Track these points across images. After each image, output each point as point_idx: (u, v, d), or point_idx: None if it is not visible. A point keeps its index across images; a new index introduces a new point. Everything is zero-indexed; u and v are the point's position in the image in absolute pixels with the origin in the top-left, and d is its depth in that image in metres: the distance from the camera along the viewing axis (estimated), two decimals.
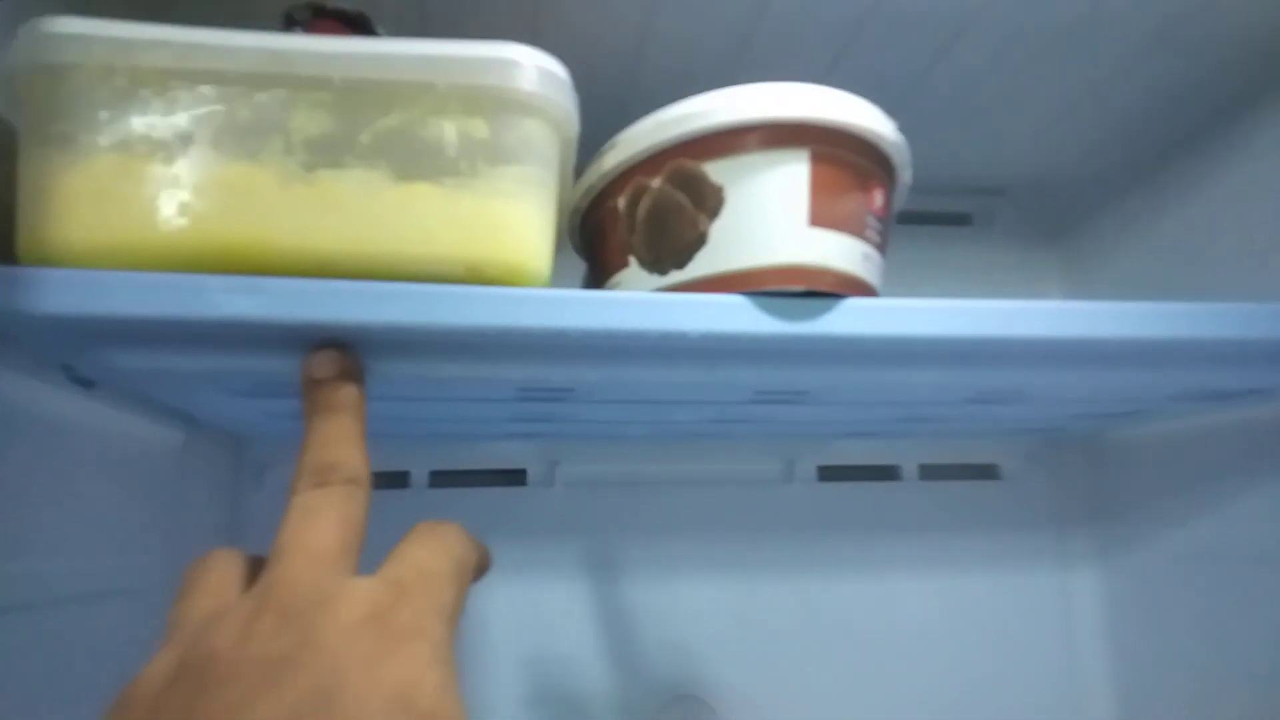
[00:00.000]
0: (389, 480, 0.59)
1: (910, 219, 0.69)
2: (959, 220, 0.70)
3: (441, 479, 0.60)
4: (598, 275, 0.39)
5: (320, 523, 0.25)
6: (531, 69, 0.31)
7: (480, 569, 0.29)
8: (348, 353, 0.30)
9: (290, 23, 0.34)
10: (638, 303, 0.31)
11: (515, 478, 0.61)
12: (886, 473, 0.66)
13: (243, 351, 0.31)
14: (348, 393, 0.29)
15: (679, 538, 0.62)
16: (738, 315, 0.32)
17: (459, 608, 0.26)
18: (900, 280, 0.66)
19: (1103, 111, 0.56)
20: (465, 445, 0.60)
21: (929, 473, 0.66)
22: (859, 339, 0.33)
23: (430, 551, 0.26)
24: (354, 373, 0.30)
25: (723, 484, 0.63)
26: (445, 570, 0.26)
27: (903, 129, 0.57)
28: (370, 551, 0.52)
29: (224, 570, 0.27)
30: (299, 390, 0.30)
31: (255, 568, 0.27)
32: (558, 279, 0.33)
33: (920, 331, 0.32)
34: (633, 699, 0.59)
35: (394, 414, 0.44)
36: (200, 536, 0.52)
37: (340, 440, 0.28)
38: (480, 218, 0.31)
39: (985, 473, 0.67)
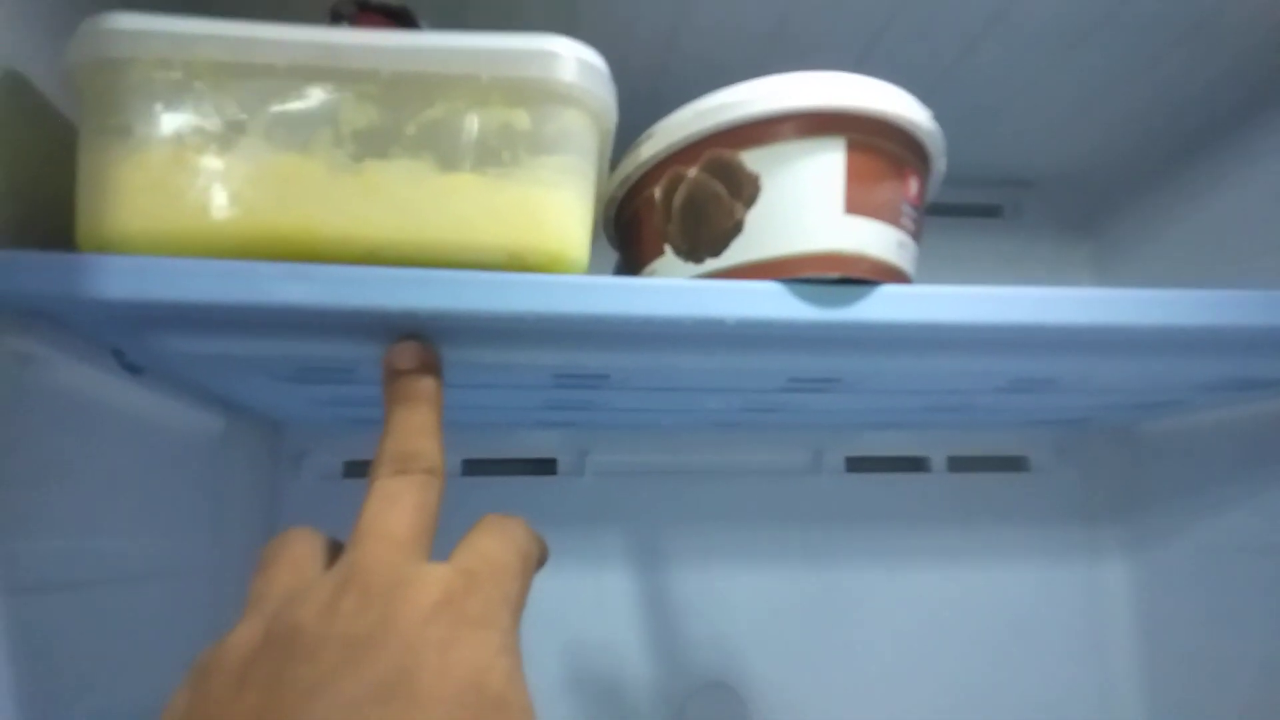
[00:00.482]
0: None
1: (941, 210, 0.69)
2: (989, 212, 0.70)
3: (474, 468, 0.61)
4: (632, 264, 0.40)
5: (399, 508, 0.26)
6: (571, 60, 0.32)
7: (540, 561, 0.30)
8: (428, 345, 0.31)
9: (337, 17, 0.35)
10: (676, 289, 0.32)
11: (546, 467, 0.62)
12: (915, 464, 0.66)
13: (290, 337, 0.32)
14: (427, 384, 0.30)
15: (707, 528, 0.62)
16: (774, 302, 0.32)
17: (524, 599, 0.27)
18: (931, 271, 0.66)
19: (1131, 104, 0.56)
20: (497, 434, 0.61)
21: (957, 464, 0.66)
22: (894, 325, 0.33)
23: (499, 543, 0.27)
24: (433, 365, 0.31)
25: (751, 474, 0.64)
26: (512, 563, 0.27)
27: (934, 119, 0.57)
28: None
29: (305, 547, 0.28)
30: (377, 379, 0.31)
31: (333, 549, 0.29)
32: (590, 270, 0.34)
33: (954, 318, 0.33)
34: (662, 686, 0.60)
35: None
36: (239, 521, 0.54)
37: (420, 430, 0.29)
38: (521, 207, 0.31)
39: (1014, 465, 0.67)
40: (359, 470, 0.59)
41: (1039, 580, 0.65)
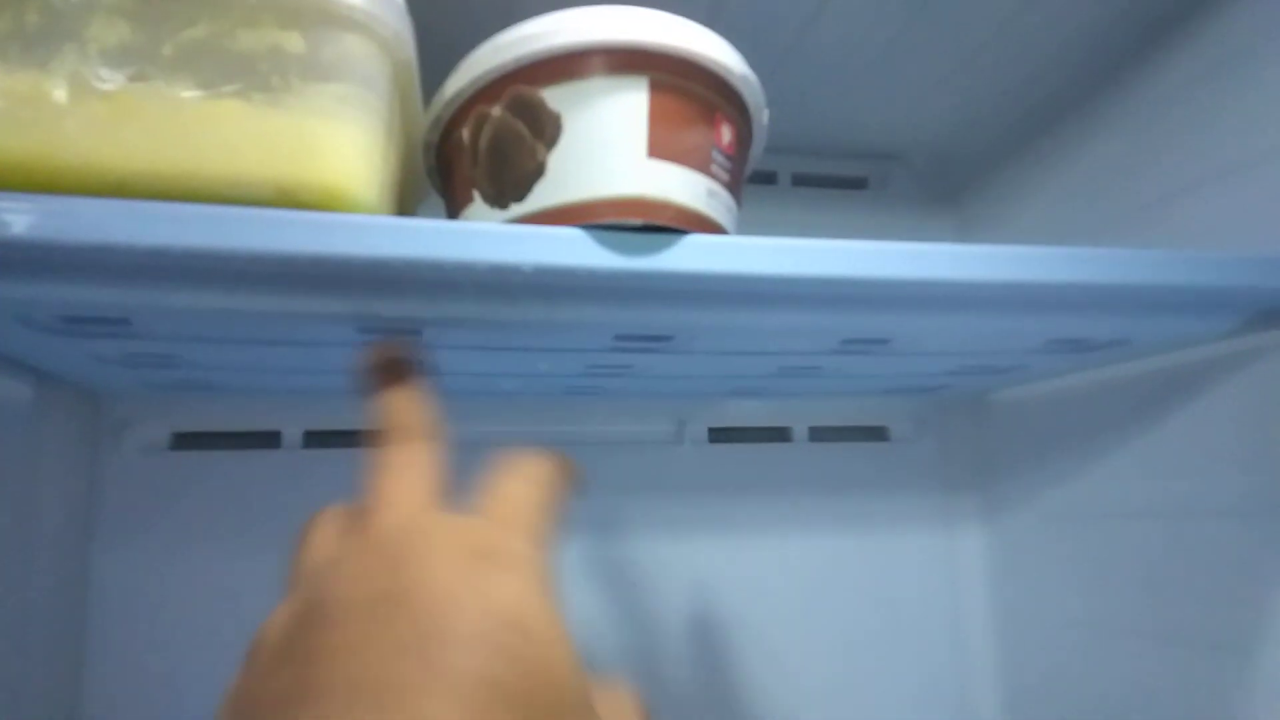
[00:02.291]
0: (259, 440, 0.57)
1: (807, 181, 0.69)
2: (855, 184, 0.70)
3: (316, 439, 0.58)
4: (450, 211, 0.37)
5: (408, 471, 0.27)
6: None
7: (573, 482, 0.31)
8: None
9: None
10: (461, 232, 0.30)
11: None
12: (777, 434, 0.66)
13: (29, 278, 0.29)
14: (408, 366, 0.31)
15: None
16: (572, 248, 0.31)
17: (554, 533, 0.28)
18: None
19: (988, 73, 0.56)
20: (341, 403, 0.58)
21: (819, 434, 0.66)
22: (701, 276, 0.32)
23: (521, 483, 0.28)
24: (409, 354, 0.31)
25: (612, 444, 0.62)
26: (537, 500, 0.28)
27: (792, 88, 0.57)
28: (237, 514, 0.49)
29: (331, 523, 0.28)
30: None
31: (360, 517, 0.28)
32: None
33: (763, 270, 0.32)
34: None
35: (238, 361, 0.42)
36: (55, 497, 0.50)
37: (408, 405, 0.30)
38: (292, 137, 0.29)
39: (874, 434, 0.67)
40: (188, 442, 0.56)
41: (899, 548, 0.66)
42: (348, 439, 0.58)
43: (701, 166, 0.33)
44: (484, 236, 0.30)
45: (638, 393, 0.58)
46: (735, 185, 0.35)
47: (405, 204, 0.40)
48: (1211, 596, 0.46)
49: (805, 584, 0.64)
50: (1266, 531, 0.42)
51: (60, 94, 0.28)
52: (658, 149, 0.31)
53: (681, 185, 0.32)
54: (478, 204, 0.34)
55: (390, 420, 0.29)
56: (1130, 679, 0.52)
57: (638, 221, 0.31)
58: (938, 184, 0.70)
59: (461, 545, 0.23)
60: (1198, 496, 0.47)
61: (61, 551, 0.50)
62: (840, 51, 0.53)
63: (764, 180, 0.67)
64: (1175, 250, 0.37)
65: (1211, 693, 0.45)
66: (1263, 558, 0.43)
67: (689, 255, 0.32)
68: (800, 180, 0.68)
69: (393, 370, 0.30)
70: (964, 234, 0.70)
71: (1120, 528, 0.53)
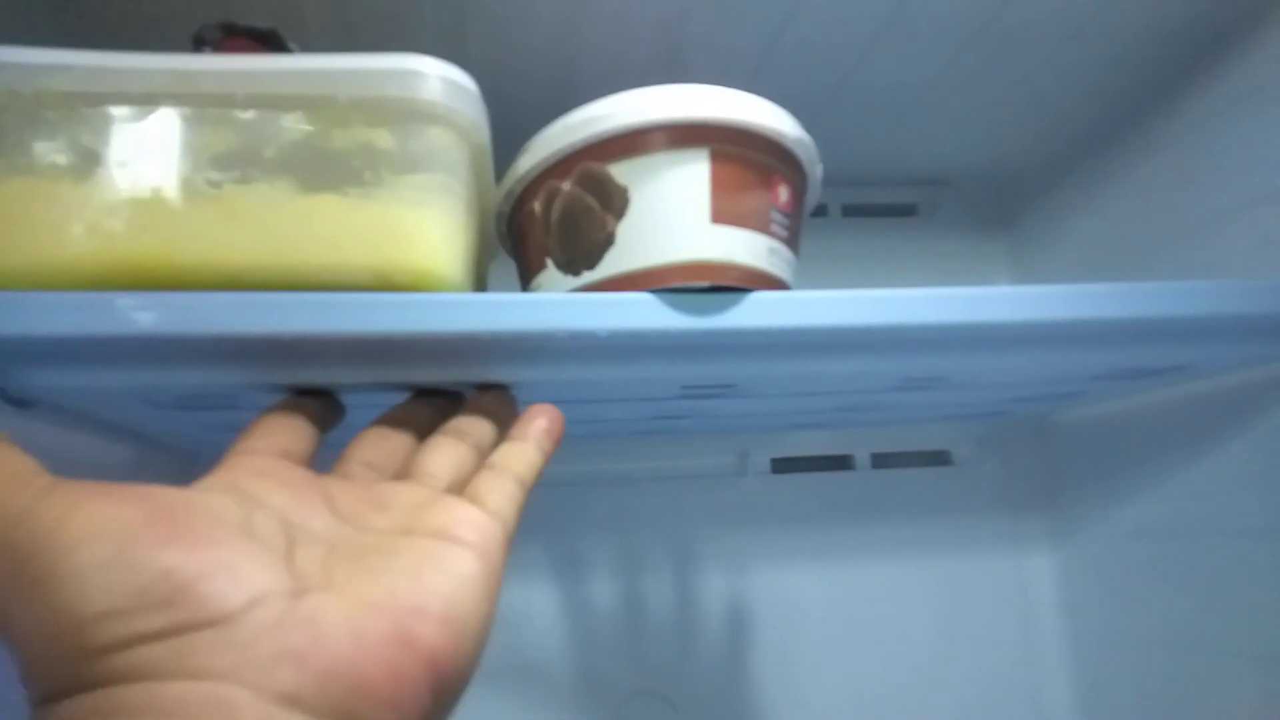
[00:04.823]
0: None
1: (857, 212, 0.70)
2: (905, 211, 0.71)
3: None
4: (523, 278, 0.40)
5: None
6: (434, 79, 0.32)
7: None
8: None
9: (200, 43, 0.35)
10: (543, 304, 0.32)
11: None
12: (839, 462, 0.67)
13: (157, 366, 0.32)
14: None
15: (634, 535, 0.63)
16: (644, 312, 0.32)
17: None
18: (850, 271, 0.68)
19: (1035, 100, 0.57)
20: None
21: (881, 461, 0.67)
22: (765, 331, 0.33)
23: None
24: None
25: (677, 479, 0.64)
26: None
27: (839, 124, 0.58)
28: None
29: None
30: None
31: None
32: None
33: (823, 322, 0.33)
34: (592, 698, 0.60)
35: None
36: None
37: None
38: (385, 226, 0.31)
39: (937, 459, 0.68)
40: None
41: (967, 572, 0.66)
42: None
43: (762, 227, 0.34)
44: (562, 306, 0.32)
45: (702, 430, 0.60)
46: (794, 240, 0.37)
47: (481, 266, 0.42)
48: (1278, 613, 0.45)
49: (874, 611, 0.64)
50: None
51: (175, 199, 0.31)
52: (720, 214, 0.33)
53: (744, 247, 0.34)
54: (550, 271, 0.36)
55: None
56: (1201, 696, 0.51)
57: (704, 284, 0.33)
58: (988, 208, 0.71)
59: None
60: (1264, 514, 0.47)
61: None
62: (886, 89, 0.54)
63: (815, 213, 0.69)
64: (1227, 280, 0.38)
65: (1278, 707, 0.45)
66: None
67: (753, 312, 0.33)
68: (851, 211, 0.70)
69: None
70: (1016, 257, 0.70)
71: (1189, 545, 0.53)
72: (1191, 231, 0.52)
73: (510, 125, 0.38)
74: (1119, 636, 0.59)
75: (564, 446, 0.62)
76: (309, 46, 0.37)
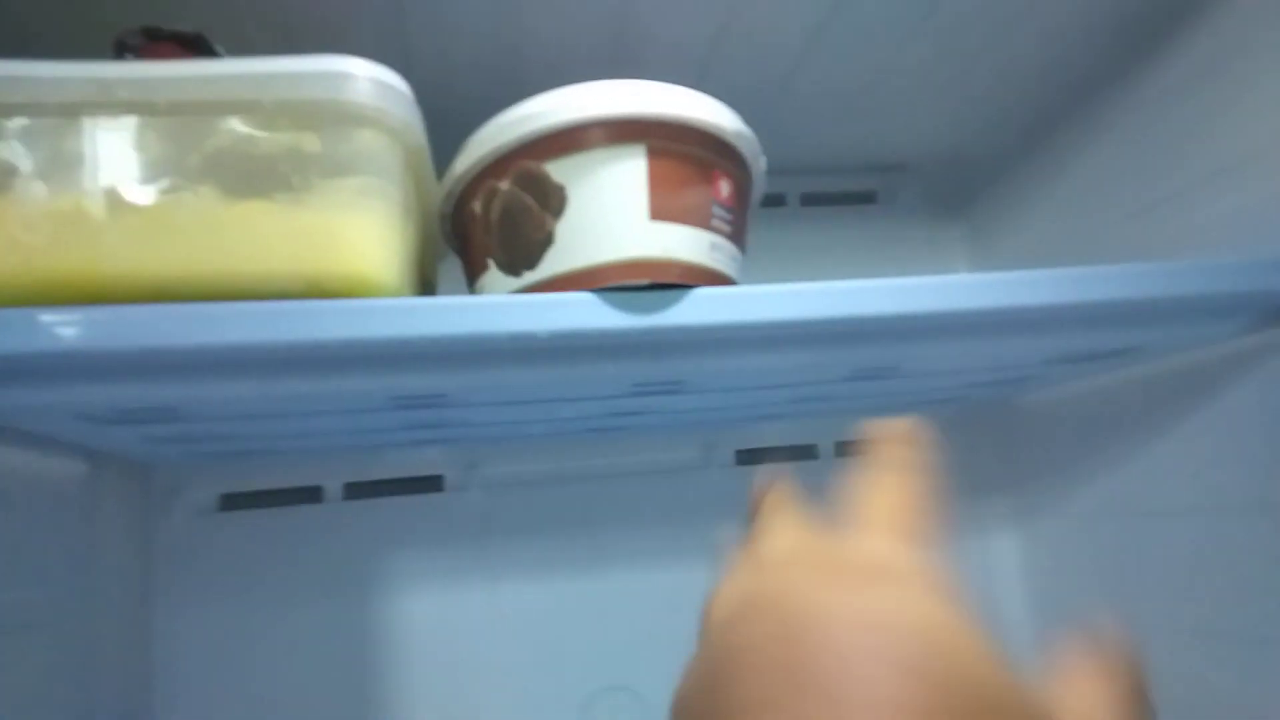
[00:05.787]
0: (302, 495, 0.59)
1: (816, 200, 0.70)
2: (864, 199, 0.71)
3: (356, 490, 0.60)
4: (468, 279, 0.39)
5: (783, 509, 0.27)
6: (363, 80, 0.31)
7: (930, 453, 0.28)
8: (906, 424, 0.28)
9: (122, 49, 0.34)
10: (479, 307, 0.31)
11: (432, 484, 0.61)
12: (804, 452, 0.67)
13: (86, 381, 0.31)
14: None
15: (601, 531, 0.62)
16: (583, 312, 0.32)
17: (936, 531, 0.25)
18: (811, 260, 0.68)
19: (985, 87, 0.57)
20: (378, 455, 0.60)
21: (845, 450, 0.67)
22: (707, 328, 0.33)
23: (888, 487, 0.26)
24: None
25: (642, 474, 0.64)
26: (909, 501, 0.25)
27: (792, 115, 0.58)
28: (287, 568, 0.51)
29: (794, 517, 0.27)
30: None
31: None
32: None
33: (766, 317, 0.33)
34: (562, 695, 0.59)
35: (281, 431, 0.44)
36: (112, 566, 0.52)
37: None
38: (315, 232, 0.31)
39: None
40: (235, 503, 0.58)
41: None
42: (386, 488, 0.60)
43: (702, 223, 0.34)
44: (500, 308, 0.32)
45: (663, 426, 0.60)
46: (738, 234, 0.37)
47: (426, 269, 0.42)
48: (1243, 590, 0.46)
49: None
50: None
51: (97, 211, 0.30)
52: (659, 211, 0.33)
53: (685, 243, 0.33)
54: (493, 272, 0.36)
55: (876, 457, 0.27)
56: (1168, 674, 0.52)
57: (645, 281, 0.33)
58: (946, 193, 0.71)
59: (842, 568, 0.22)
60: (1224, 491, 0.47)
61: (122, 616, 0.53)
62: (837, 79, 0.54)
63: (772, 203, 0.69)
64: (1177, 261, 0.38)
65: (1246, 685, 0.45)
66: None
67: (695, 309, 0.33)
68: (809, 200, 0.70)
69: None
70: (974, 242, 0.71)
71: (1151, 525, 0.53)
72: (1142, 213, 0.52)
73: (458, 124, 0.38)
74: (1079, 615, 0.60)
75: (525, 445, 0.62)
76: (246, 50, 0.36)
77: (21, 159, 0.30)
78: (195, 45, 0.35)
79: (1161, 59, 0.49)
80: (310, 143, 0.31)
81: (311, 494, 0.59)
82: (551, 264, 0.34)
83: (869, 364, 0.41)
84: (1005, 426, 0.68)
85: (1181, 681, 0.51)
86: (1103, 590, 0.58)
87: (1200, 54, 0.47)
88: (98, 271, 0.30)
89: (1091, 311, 0.38)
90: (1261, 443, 0.45)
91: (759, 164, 0.38)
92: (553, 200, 0.33)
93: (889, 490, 0.25)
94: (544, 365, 0.35)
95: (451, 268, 0.44)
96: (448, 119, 0.39)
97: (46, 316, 0.28)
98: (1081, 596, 0.60)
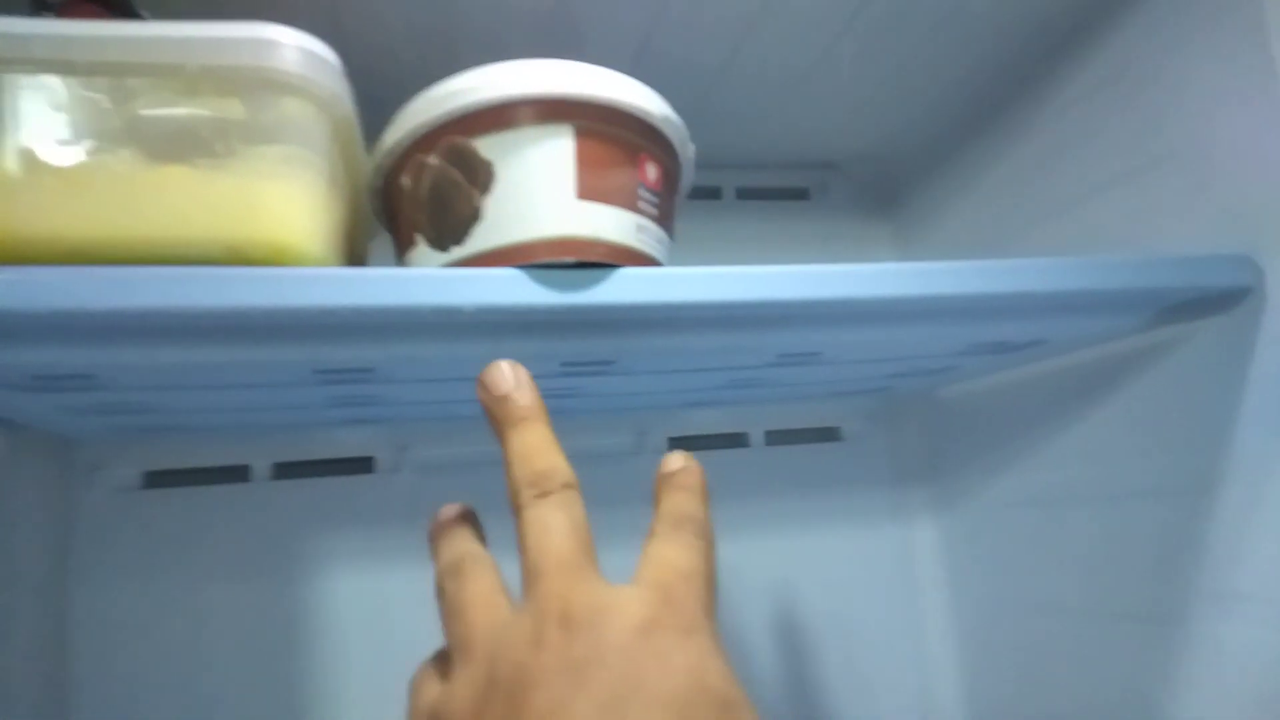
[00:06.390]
0: (228, 474, 0.58)
1: (751, 195, 0.71)
2: (797, 195, 0.72)
3: (285, 470, 0.59)
4: (398, 255, 0.39)
5: (558, 534, 0.27)
6: (289, 48, 0.31)
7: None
8: (515, 364, 0.31)
9: (40, 6, 0.33)
10: (404, 278, 0.32)
11: (362, 465, 0.61)
12: (735, 440, 0.68)
13: (3, 344, 0.30)
14: (529, 401, 0.30)
15: None
16: (508, 288, 0.33)
17: (715, 599, 0.28)
18: (745, 252, 0.69)
19: (911, 86, 0.59)
20: (307, 434, 0.59)
21: (774, 438, 0.68)
22: (630, 307, 0.34)
23: (684, 550, 0.28)
24: (530, 380, 0.31)
25: (574, 459, 0.63)
26: (699, 567, 0.28)
27: (727, 108, 0.59)
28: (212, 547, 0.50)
29: (486, 582, 0.28)
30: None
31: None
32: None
33: (687, 298, 0.34)
34: None
35: (202, 404, 0.44)
36: (31, 541, 0.51)
37: (541, 448, 0.29)
38: (237, 198, 0.31)
39: (827, 435, 0.70)
40: (160, 480, 0.57)
41: (855, 542, 0.68)
42: (316, 468, 0.60)
43: (629, 204, 0.35)
44: (425, 281, 0.32)
45: (597, 410, 0.60)
46: (665, 218, 0.38)
47: (355, 244, 0.42)
48: (1140, 572, 0.48)
49: (768, 582, 0.66)
50: (1184, 510, 0.45)
51: (13, 170, 0.30)
52: (586, 191, 0.34)
53: (611, 223, 0.34)
54: (421, 247, 0.36)
55: (528, 467, 0.29)
56: (1074, 654, 0.54)
57: (571, 259, 0.33)
58: (875, 191, 0.73)
59: (644, 617, 0.24)
60: (1124, 480, 0.50)
61: (40, 593, 0.52)
62: (769, 71, 0.55)
63: (709, 196, 0.70)
64: (1086, 257, 0.40)
65: (1142, 662, 0.48)
66: (1182, 534, 0.45)
67: (619, 288, 0.34)
68: (744, 194, 0.71)
69: (520, 399, 0.30)
70: (900, 237, 0.73)
71: (1059, 512, 0.56)
72: (1059, 210, 0.54)
73: (390, 100, 0.38)
74: (999, 600, 0.62)
75: (457, 428, 0.62)
76: (169, 14, 0.36)
77: None
78: (116, 7, 0.34)
79: (1077, 63, 0.52)
80: (234, 109, 0.31)
81: (239, 473, 0.58)
82: (479, 240, 0.34)
83: (792, 349, 0.42)
84: (928, 419, 0.70)
85: (1093, 663, 0.53)
86: (1018, 574, 0.60)
87: (1113, 59, 0.49)
88: (14, 232, 0.29)
89: (1001, 303, 0.39)
90: (1156, 433, 0.47)
91: (687, 150, 0.39)
92: (481, 176, 0.34)
93: (558, 530, 0.27)
94: (470, 340, 0.36)
95: (383, 247, 0.44)
96: (379, 93, 0.39)
97: None
98: (997, 581, 0.62)
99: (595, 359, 0.41)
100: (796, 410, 0.69)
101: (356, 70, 0.35)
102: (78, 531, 0.55)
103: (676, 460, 0.34)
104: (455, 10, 0.46)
